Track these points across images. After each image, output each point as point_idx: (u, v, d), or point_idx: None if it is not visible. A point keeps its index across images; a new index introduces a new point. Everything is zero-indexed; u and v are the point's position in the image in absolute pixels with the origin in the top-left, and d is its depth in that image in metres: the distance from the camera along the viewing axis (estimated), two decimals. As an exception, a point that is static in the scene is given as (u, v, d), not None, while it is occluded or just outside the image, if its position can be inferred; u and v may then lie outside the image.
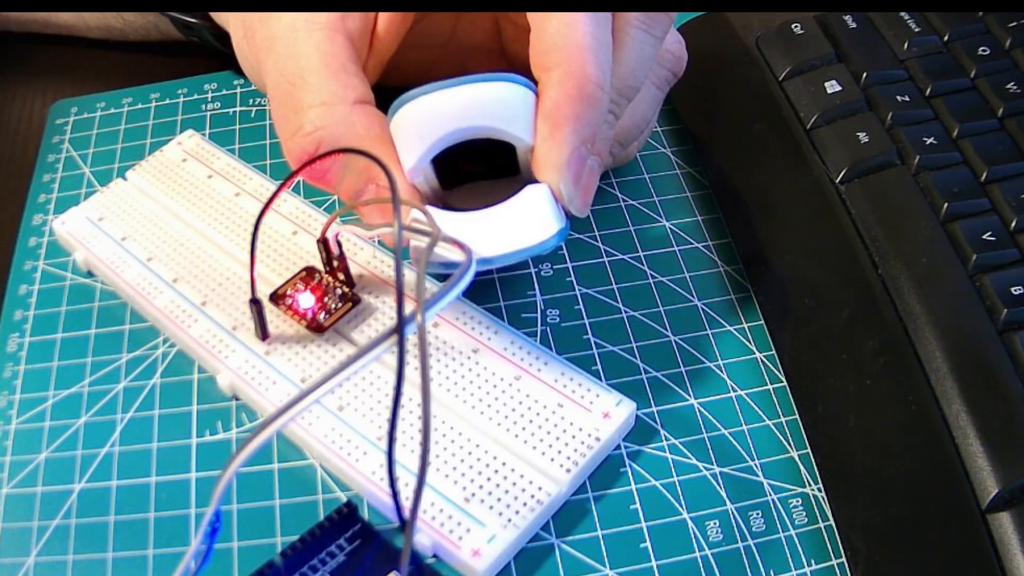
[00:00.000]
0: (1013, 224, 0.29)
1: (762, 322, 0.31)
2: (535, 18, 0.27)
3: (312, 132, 0.27)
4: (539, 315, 0.32)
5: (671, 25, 0.30)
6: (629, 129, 0.32)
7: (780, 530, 0.27)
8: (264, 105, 0.39)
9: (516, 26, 0.32)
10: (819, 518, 0.27)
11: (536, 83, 0.27)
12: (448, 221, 0.26)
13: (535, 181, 0.27)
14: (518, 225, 0.26)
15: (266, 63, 0.29)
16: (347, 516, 0.27)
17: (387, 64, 0.31)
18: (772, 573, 0.26)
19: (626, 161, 0.35)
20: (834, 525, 0.27)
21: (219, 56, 0.39)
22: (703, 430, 0.29)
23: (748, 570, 0.26)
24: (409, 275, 0.31)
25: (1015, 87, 0.33)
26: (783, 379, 0.30)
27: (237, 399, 0.30)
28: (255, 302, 0.30)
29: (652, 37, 0.29)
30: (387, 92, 0.29)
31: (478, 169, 0.29)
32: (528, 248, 0.26)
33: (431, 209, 0.27)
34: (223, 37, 0.38)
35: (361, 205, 0.28)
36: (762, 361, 0.31)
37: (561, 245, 0.32)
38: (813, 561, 0.27)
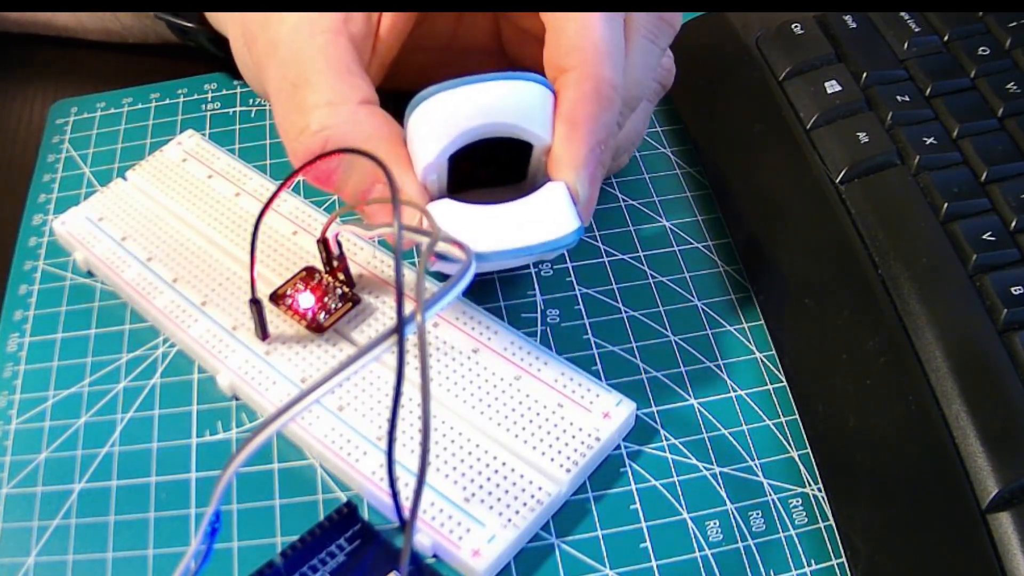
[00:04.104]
0: (1013, 224, 0.29)
1: (762, 322, 0.31)
2: (551, 19, 0.27)
3: (319, 131, 0.27)
4: (539, 315, 0.32)
5: (673, 36, 0.30)
6: (622, 141, 0.32)
7: (780, 530, 0.27)
8: (264, 105, 0.39)
9: (516, 28, 0.32)
10: (819, 518, 0.27)
11: (551, 84, 0.27)
12: (467, 213, 0.26)
13: (543, 185, 0.27)
14: (539, 219, 0.26)
15: (268, 68, 0.29)
16: (347, 516, 0.27)
17: (389, 67, 0.31)
18: (772, 573, 0.26)
19: (617, 170, 0.35)
20: (834, 525, 0.27)
21: (216, 60, 0.39)
22: (703, 430, 0.29)
23: (748, 570, 0.26)
24: (409, 275, 0.31)
25: (1015, 87, 0.33)
26: (783, 379, 0.30)
27: (237, 399, 0.30)
28: (255, 302, 0.30)
29: (657, 48, 0.29)
30: (388, 96, 0.29)
31: (484, 175, 0.29)
32: (550, 242, 0.26)
33: (445, 204, 0.26)
34: (219, 42, 0.38)
35: (363, 205, 0.28)
36: (762, 361, 0.31)
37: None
38: (813, 561, 0.27)
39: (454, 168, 0.27)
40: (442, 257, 0.26)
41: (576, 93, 0.26)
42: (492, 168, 0.28)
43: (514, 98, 0.26)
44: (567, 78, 0.27)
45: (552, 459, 0.27)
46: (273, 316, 0.31)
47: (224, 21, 0.35)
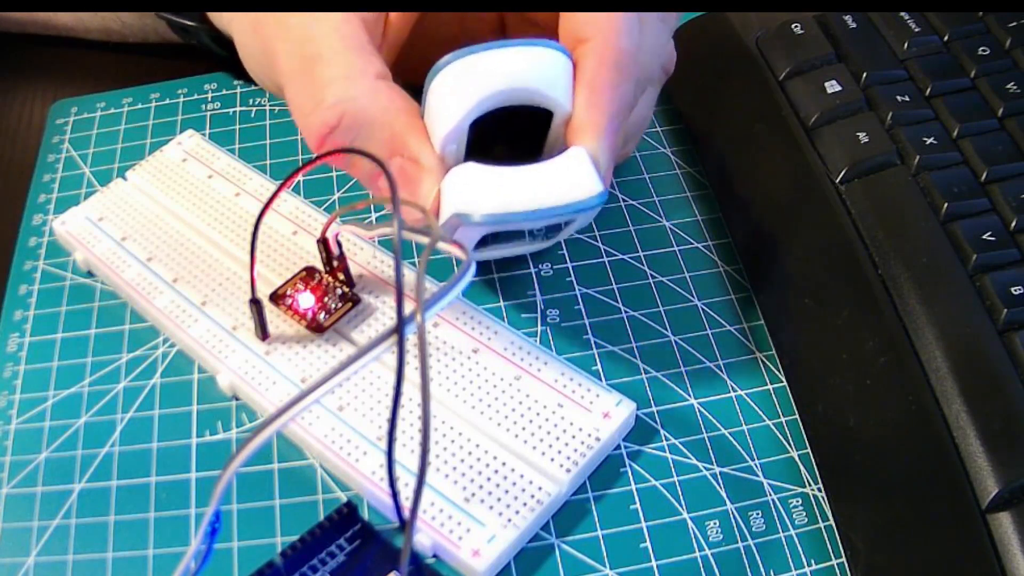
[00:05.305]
0: (1013, 224, 0.29)
1: (762, 322, 0.31)
2: None
3: (335, 104, 0.27)
4: (539, 315, 0.32)
5: (680, 18, 0.30)
6: (629, 127, 0.32)
7: (780, 530, 0.27)
8: (264, 105, 0.39)
9: (522, 18, 0.32)
10: (819, 518, 0.27)
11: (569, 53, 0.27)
12: (491, 174, 0.26)
13: (564, 151, 0.27)
14: (563, 181, 0.26)
15: (279, 49, 0.28)
16: (347, 516, 0.27)
17: (399, 52, 0.31)
18: (772, 573, 0.26)
19: (623, 160, 0.35)
20: (834, 525, 0.27)
21: (217, 58, 0.39)
22: (703, 430, 0.29)
23: (748, 570, 0.26)
24: (409, 275, 0.31)
25: (1015, 87, 0.33)
26: (783, 379, 0.30)
27: (237, 399, 0.30)
28: (255, 302, 0.30)
29: (666, 27, 0.30)
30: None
31: (501, 151, 0.28)
32: (575, 204, 0.26)
33: (469, 166, 0.26)
34: (221, 40, 0.38)
35: (378, 182, 0.27)
36: (762, 361, 0.31)
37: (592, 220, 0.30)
38: (813, 561, 0.27)
39: (470, 143, 0.27)
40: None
41: (596, 62, 0.26)
42: (508, 144, 0.28)
43: (535, 64, 0.26)
44: (586, 48, 0.27)
45: (552, 459, 0.27)
46: (273, 316, 0.31)
47: (228, 16, 0.34)
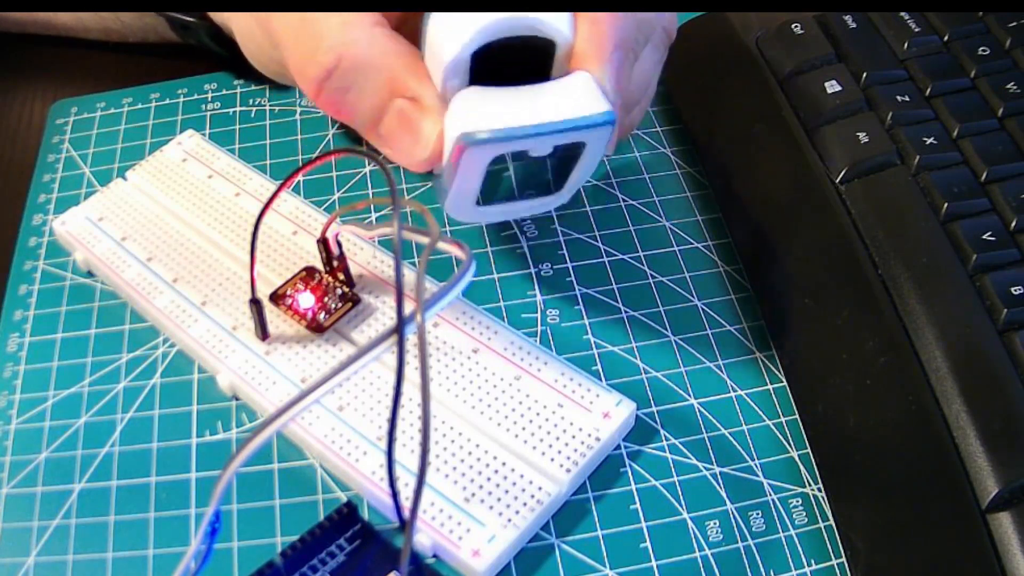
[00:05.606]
0: (1013, 224, 0.29)
1: (762, 322, 0.31)
2: None
3: (332, 48, 0.26)
4: (539, 315, 0.32)
5: None
6: (632, 91, 0.31)
7: (780, 530, 0.27)
8: (264, 105, 0.39)
9: None
10: (819, 518, 0.27)
11: None
12: (493, 96, 0.25)
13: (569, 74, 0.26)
14: (571, 99, 0.25)
15: (278, 17, 0.28)
16: (347, 516, 0.27)
17: (397, 25, 0.31)
18: (772, 573, 0.26)
19: (630, 131, 0.34)
20: (834, 525, 0.27)
21: (217, 58, 0.39)
22: (703, 430, 0.29)
23: (748, 570, 0.26)
24: (409, 275, 0.31)
25: (1015, 87, 0.33)
26: (783, 379, 0.30)
27: (237, 399, 0.30)
28: (255, 302, 0.30)
29: None
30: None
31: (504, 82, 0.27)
32: (581, 120, 0.25)
33: (471, 89, 0.25)
34: (220, 38, 0.38)
35: (377, 128, 0.27)
36: (762, 361, 0.31)
37: (606, 155, 0.28)
38: (813, 561, 0.27)
39: (474, 74, 0.26)
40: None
41: None
42: (511, 84, 0.27)
43: None
44: None
45: (552, 459, 0.27)
46: (273, 316, 0.31)
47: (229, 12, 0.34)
